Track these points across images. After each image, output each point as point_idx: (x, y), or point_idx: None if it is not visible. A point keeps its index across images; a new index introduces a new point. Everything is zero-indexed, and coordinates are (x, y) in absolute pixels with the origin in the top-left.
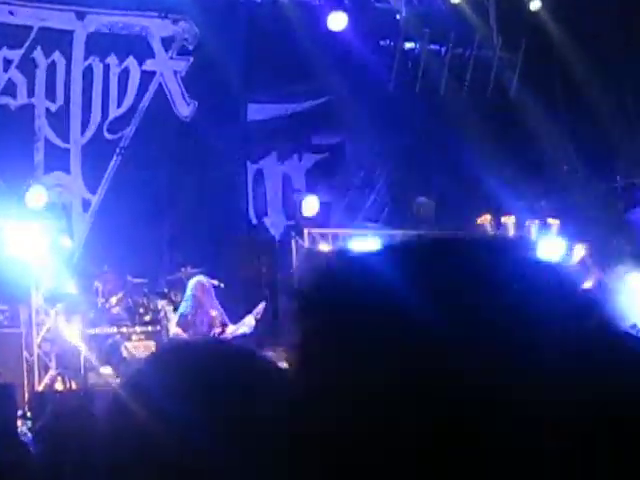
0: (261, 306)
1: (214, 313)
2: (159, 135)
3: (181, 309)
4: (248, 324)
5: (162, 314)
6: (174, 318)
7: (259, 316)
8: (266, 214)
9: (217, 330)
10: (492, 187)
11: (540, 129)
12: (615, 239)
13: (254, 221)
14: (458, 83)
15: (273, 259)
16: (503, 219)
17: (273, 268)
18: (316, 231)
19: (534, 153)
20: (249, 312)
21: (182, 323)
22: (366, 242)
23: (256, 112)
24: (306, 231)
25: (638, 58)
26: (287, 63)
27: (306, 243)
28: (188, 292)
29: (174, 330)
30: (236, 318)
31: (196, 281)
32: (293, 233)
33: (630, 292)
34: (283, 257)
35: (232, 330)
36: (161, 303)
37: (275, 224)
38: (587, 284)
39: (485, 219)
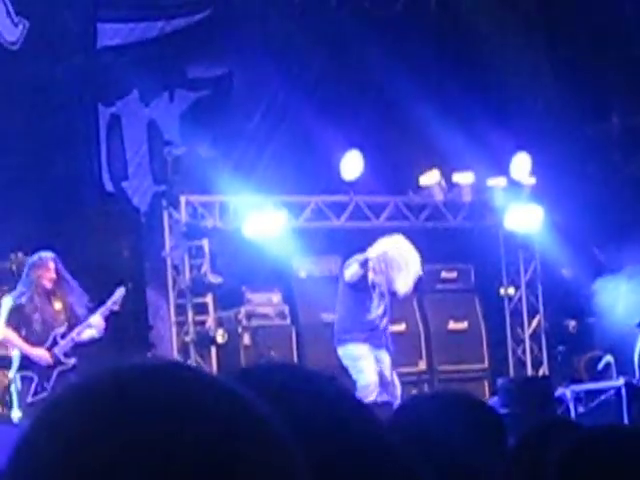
0: (118, 294)
1: (58, 306)
2: None
3: (12, 300)
4: (96, 325)
5: None
6: (3, 314)
7: (117, 307)
8: (126, 177)
9: (60, 331)
10: (441, 134)
11: (507, 55)
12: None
13: (109, 187)
14: None
15: (138, 240)
16: (457, 178)
17: (138, 252)
18: (197, 199)
19: (499, 88)
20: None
21: (15, 320)
22: (267, 215)
23: (109, 35)
24: (183, 199)
25: None
26: None
27: (183, 216)
28: (24, 276)
29: (2, 333)
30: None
31: (37, 258)
32: (165, 202)
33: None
34: (151, 236)
35: (75, 333)
36: None
37: (139, 191)
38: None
39: (432, 177)
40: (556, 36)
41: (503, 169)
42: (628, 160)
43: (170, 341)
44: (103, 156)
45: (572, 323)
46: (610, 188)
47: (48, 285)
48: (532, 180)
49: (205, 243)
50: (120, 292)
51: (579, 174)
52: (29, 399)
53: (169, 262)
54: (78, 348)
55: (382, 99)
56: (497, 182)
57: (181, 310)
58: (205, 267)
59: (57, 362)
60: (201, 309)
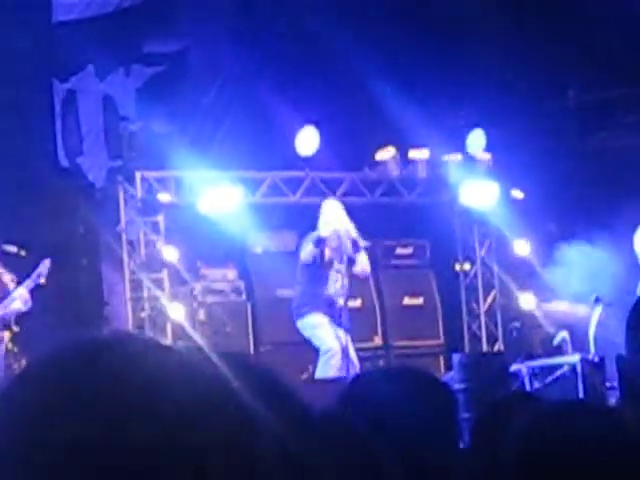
0: (43, 267)
1: None
2: None
3: None
4: (21, 297)
5: None
6: None
7: (42, 280)
8: (81, 153)
9: None
10: (397, 109)
11: (465, 33)
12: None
13: (64, 163)
14: None
15: (93, 215)
16: (412, 153)
17: (93, 227)
18: (153, 175)
19: (456, 66)
20: (60, 289)
21: None
22: (223, 190)
23: (65, 10)
24: (139, 175)
25: None
26: None
27: (139, 192)
28: None
29: None
30: (41, 296)
31: None
32: (120, 178)
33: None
34: (107, 212)
35: (2, 307)
36: None
37: (94, 166)
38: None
39: (388, 153)
40: (511, 14)
41: (459, 145)
42: (583, 135)
43: (126, 317)
44: (58, 132)
45: (527, 298)
46: (565, 163)
47: None
48: (487, 156)
49: (160, 219)
50: (45, 265)
51: (535, 149)
52: None
53: (124, 238)
54: (27, 322)
55: (339, 75)
56: (453, 158)
57: (136, 286)
58: (160, 243)
59: None
60: (156, 284)
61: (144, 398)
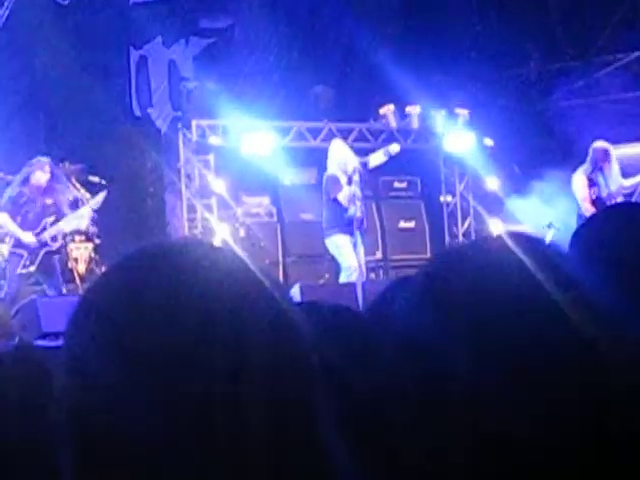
0: (100, 197)
1: (49, 201)
2: (34, 20)
3: (9, 192)
4: (83, 216)
5: None
6: (1, 203)
7: (97, 206)
8: (151, 105)
9: (49, 220)
10: (396, 74)
11: (446, 9)
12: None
13: (138, 113)
14: None
15: (158, 153)
16: (407, 109)
17: (159, 164)
18: (205, 123)
19: (440, 37)
20: (132, 211)
21: (11, 208)
22: (260, 136)
23: None
24: (194, 123)
25: None
26: None
27: (194, 136)
28: (22, 173)
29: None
30: (118, 216)
31: (36, 160)
32: (180, 125)
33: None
34: (169, 152)
35: (63, 222)
36: None
37: (160, 116)
38: (492, 185)
39: (388, 109)
40: None
41: (444, 103)
42: (542, 98)
43: (183, 234)
44: (133, 88)
45: (496, 223)
46: (527, 118)
47: (42, 183)
48: (465, 111)
49: (211, 158)
50: (101, 195)
51: (503, 107)
52: (18, 271)
53: (183, 172)
54: (68, 236)
55: (352, 47)
56: (438, 113)
57: (191, 209)
58: (210, 176)
59: (43, 244)
60: (207, 208)
61: (205, 291)
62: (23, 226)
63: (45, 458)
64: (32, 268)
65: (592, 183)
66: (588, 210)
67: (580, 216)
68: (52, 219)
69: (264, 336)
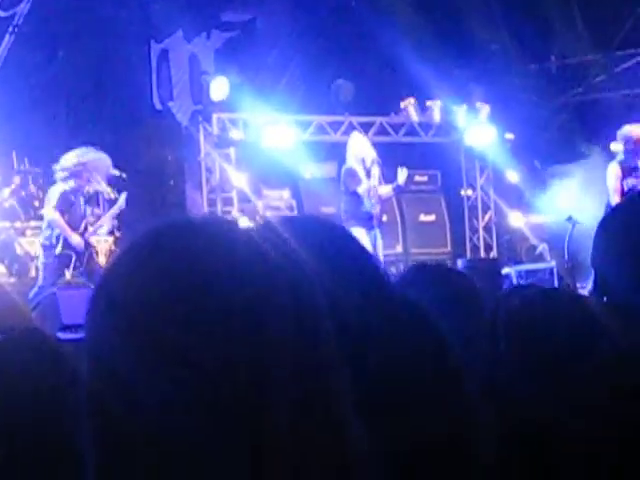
0: (121, 200)
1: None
2: (56, 12)
3: (62, 186)
4: (106, 223)
5: None
6: (53, 200)
7: (121, 209)
8: (172, 98)
9: (90, 220)
10: (417, 68)
11: (467, 3)
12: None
13: (158, 106)
14: None
15: (179, 147)
16: (428, 103)
17: (179, 157)
18: (226, 116)
19: (461, 31)
20: (153, 204)
21: (63, 204)
22: (281, 129)
23: None
24: (215, 116)
25: None
26: None
27: (215, 130)
28: (74, 162)
29: (51, 215)
30: (138, 210)
31: (87, 150)
32: (201, 118)
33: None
34: (190, 145)
35: (98, 225)
36: None
37: (181, 109)
38: (512, 178)
39: (409, 102)
40: None
41: (465, 97)
42: (562, 92)
43: None
44: (154, 82)
45: (516, 216)
46: (547, 113)
47: (92, 175)
48: (486, 106)
49: (231, 151)
50: (122, 198)
51: (523, 102)
52: (68, 272)
53: (203, 165)
54: (126, 228)
55: (375, 43)
56: (460, 107)
57: (212, 202)
58: (231, 170)
59: (88, 245)
60: (228, 202)
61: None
62: (70, 225)
63: (58, 442)
64: (81, 269)
65: (628, 173)
66: (615, 202)
67: (608, 206)
68: (92, 219)
69: (286, 326)
